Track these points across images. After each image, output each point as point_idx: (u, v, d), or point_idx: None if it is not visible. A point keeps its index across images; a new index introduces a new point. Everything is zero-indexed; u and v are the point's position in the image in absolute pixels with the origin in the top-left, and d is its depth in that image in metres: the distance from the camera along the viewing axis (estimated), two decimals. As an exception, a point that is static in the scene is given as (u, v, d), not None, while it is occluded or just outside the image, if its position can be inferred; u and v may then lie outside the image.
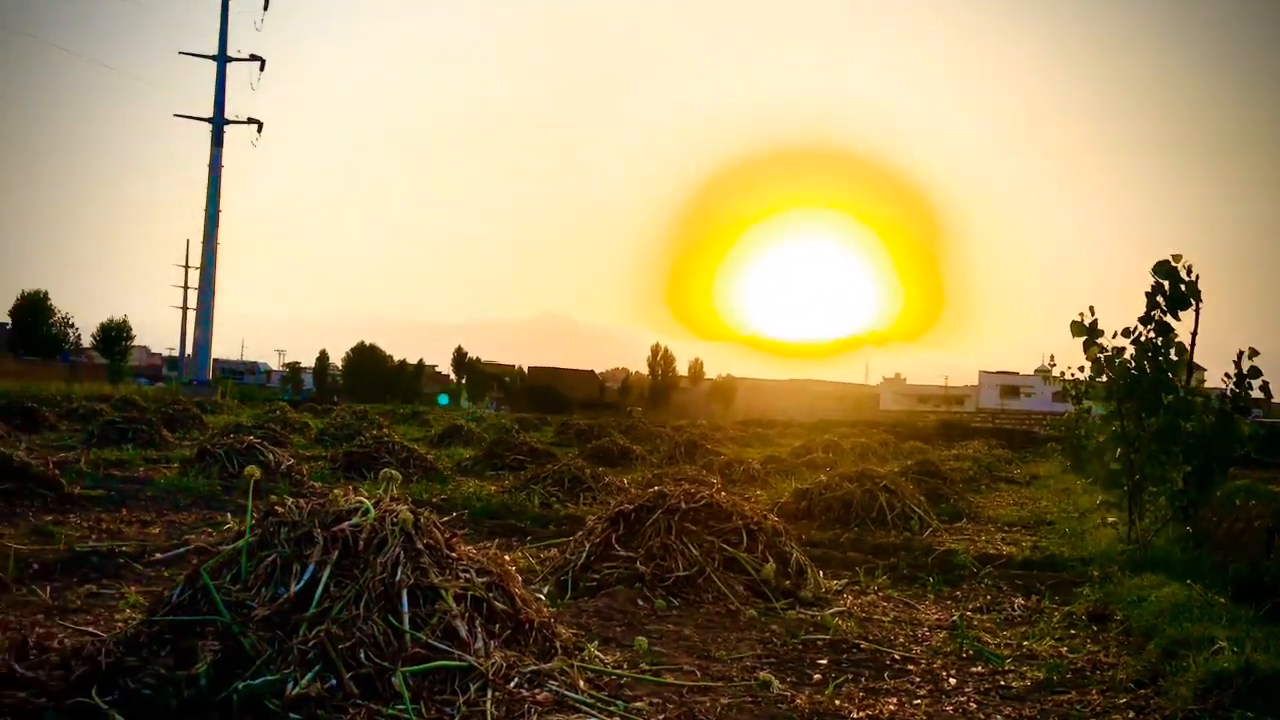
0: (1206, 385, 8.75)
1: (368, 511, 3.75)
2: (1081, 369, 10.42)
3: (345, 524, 3.68)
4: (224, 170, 61.19)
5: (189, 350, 68.42)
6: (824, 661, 4.40)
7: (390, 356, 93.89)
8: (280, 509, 3.79)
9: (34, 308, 70.70)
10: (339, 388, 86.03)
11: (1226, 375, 7.29)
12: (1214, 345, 7.79)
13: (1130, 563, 6.67)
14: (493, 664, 3.49)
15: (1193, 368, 7.38)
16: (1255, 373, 7.19)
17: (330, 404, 41.61)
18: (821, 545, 7.55)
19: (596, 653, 4.10)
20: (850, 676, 4.16)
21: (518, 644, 3.75)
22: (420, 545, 3.75)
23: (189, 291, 72.19)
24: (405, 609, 3.50)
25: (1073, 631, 5.15)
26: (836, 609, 5.38)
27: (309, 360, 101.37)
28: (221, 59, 61.42)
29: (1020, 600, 6.02)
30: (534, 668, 3.61)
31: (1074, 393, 10.62)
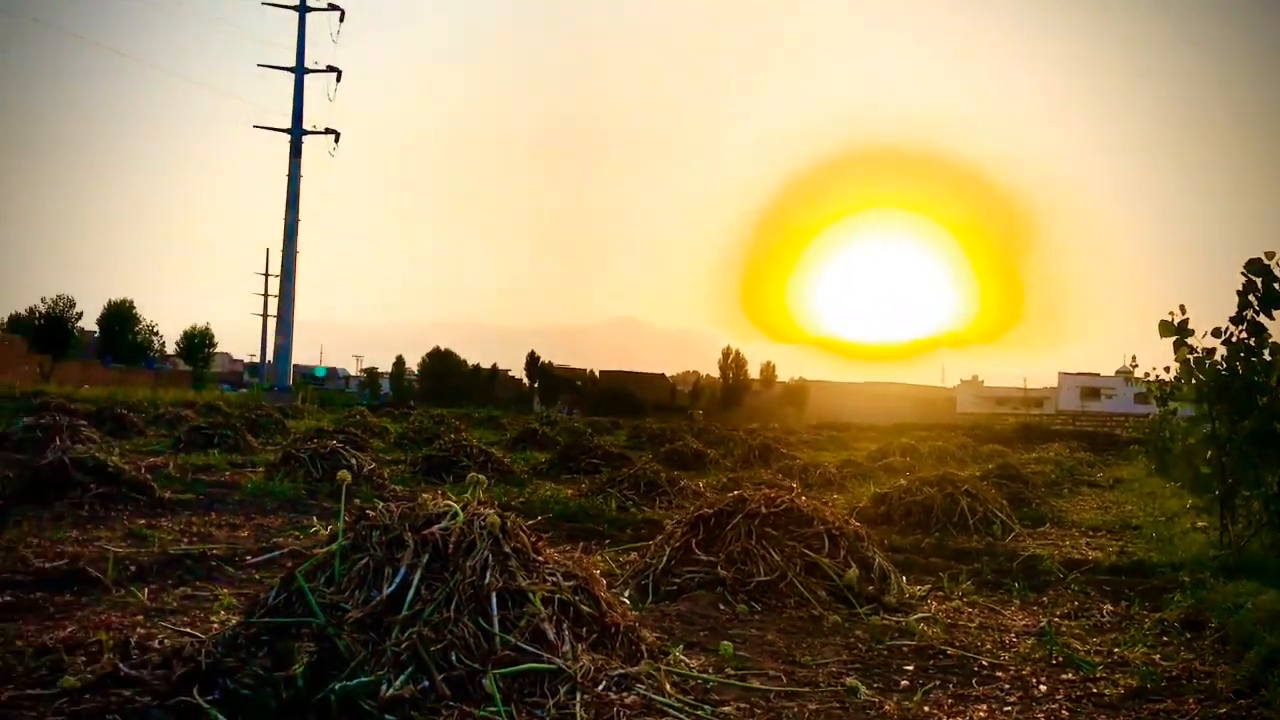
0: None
1: (456, 515, 3.80)
2: (1166, 370, 10.27)
3: (435, 527, 3.73)
4: (302, 180, 62.63)
5: (269, 356, 69.90)
6: (910, 668, 4.36)
7: (465, 361, 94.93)
8: (371, 513, 3.86)
9: (120, 316, 72.45)
10: (415, 392, 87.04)
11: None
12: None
13: (1223, 568, 6.50)
14: (581, 667, 3.52)
15: (1287, 368, 7.17)
16: (1353, 373, 6.96)
17: (407, 408, 42.20)
18: (903, 550, 7.47)
19: (681, 657, 4.11)
20: (938, 683, 4.11)
21: (604, 647, 3.77)
22: (507, 549, 3.78)
23: (269, 299, 73.74)
24: (494, 611, 3.53)
25: (1165, 639, 5.02)
26: (921, 615, 5.31)
27: (385, 365, 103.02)
28: (299, 71, 62.85)
29: (1109, 606, 5.90)
30: (621, 671, 3.63)
31: (1158, 394, 10.39)
